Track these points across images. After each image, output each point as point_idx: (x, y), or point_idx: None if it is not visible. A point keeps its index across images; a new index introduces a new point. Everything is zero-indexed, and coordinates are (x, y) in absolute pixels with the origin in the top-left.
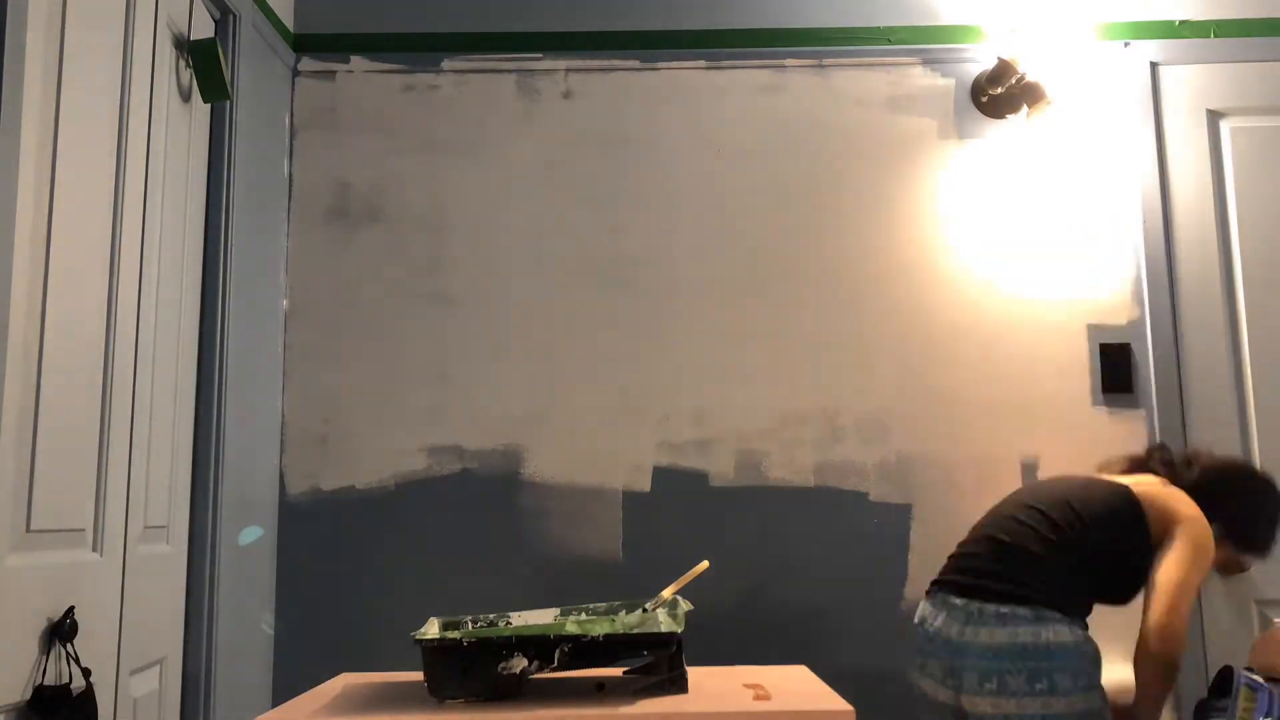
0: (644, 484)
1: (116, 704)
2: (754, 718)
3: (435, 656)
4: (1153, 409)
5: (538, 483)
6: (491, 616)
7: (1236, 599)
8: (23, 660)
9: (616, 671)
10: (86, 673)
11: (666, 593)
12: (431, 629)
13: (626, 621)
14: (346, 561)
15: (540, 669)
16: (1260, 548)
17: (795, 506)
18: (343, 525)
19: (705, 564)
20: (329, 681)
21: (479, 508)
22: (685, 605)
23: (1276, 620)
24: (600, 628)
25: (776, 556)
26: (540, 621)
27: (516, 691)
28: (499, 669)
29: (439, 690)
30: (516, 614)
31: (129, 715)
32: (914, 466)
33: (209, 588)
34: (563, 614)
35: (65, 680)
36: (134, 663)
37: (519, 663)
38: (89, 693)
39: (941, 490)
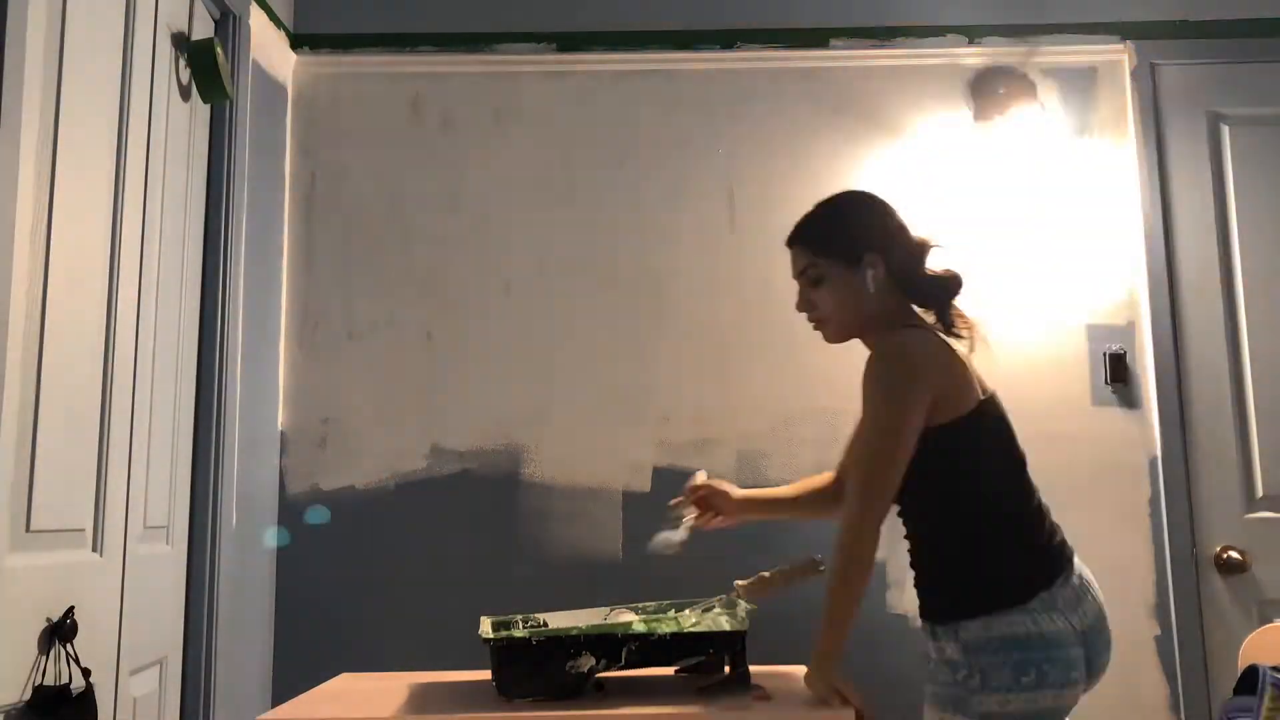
0: (644, 484)
1: (116, 704)
2: (754, 718)
3: (505, 656)
4: (1153, 409)
5: (538, 483)
6: (541, 617)
7: (1237, 599)
8: (22, 660)
9: (667, 671)
10: (86, 673)
11: (767, 573)
12: (484, 628)
13: (693, 620)
14: (346, 561)
15: (607, 667)
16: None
17: None
18: (343, 525)
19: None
20: (329, 681)
21: (479, 508)
22: (745, 605)
23: (1276, 620)
24: (667, 626)
25: (777, 556)
26: (590, 621)
27: (582, 690)
28: (567, 668)
29: (508, 690)
30: (562, 613)
31: (129, 715)
32: None
33: (209, 588)
34: (611, 612)
35: (65, 680)
36: (134, 663)
37: (586, 661)
38: (89, 693)
39: None
